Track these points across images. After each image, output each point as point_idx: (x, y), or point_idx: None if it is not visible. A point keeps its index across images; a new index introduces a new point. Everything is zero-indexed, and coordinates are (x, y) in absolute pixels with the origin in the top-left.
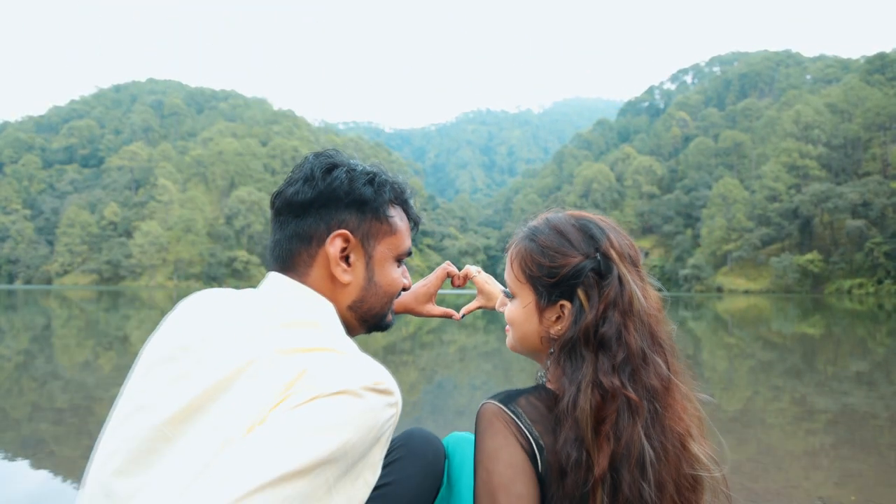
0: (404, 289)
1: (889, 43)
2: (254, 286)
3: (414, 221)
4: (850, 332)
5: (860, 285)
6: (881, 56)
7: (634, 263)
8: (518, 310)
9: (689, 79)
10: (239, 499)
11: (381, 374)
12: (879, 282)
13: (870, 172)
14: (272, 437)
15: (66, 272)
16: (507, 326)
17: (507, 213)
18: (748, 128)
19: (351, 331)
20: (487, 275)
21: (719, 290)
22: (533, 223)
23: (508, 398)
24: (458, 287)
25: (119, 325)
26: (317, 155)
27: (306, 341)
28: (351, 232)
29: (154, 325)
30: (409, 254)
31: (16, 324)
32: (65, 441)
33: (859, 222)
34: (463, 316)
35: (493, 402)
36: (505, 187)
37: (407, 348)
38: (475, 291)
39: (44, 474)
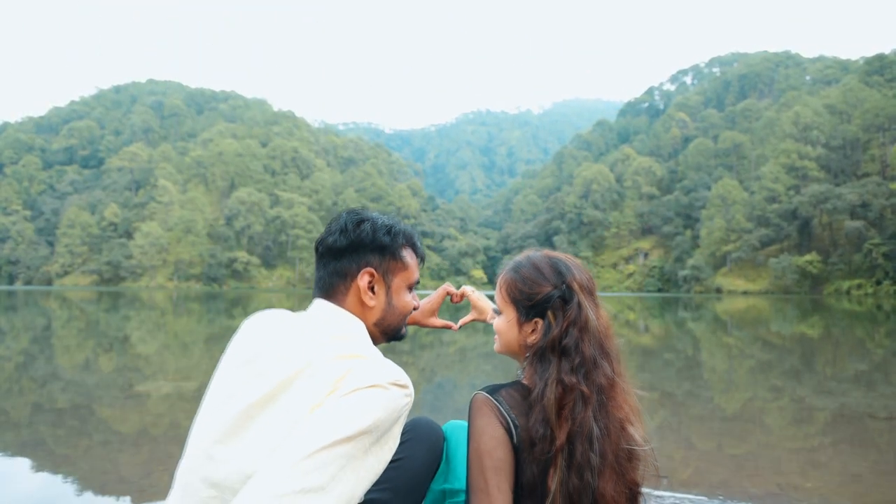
0: (414, 308)
1: (888, 44)
2: (254, 287)
3: (420, 258)
4: (849, 332)
5: (859, 286)
6: (880, 57)
7: (591, 293)
8: (504, 323)
9: (688, 80)
10: (309, 455)
11: (400, 374)
12: (878, 283)
13: (868, 173)
14: (329, 416)
15: (66, 273)
16: (496, 336)
17: (507, 214)
18: (747, 129)
19: (375, 341)
20: (480, 293)
21: (718, 290)
22: (517, 259)
23: (493, 390)
24: (456, 303)
25: (119, 326)
26: (349, 212)
27: (347, 350)
28: (375, 269)
29: (154, 325)
30: (418, 282)
31: (16, 324)
32: (65, 442)
33: (858, 223)
34: (460, 327)
35: (482, 392)
36: (505, 188)
37: (407, 349)
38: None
39: (44, 475)
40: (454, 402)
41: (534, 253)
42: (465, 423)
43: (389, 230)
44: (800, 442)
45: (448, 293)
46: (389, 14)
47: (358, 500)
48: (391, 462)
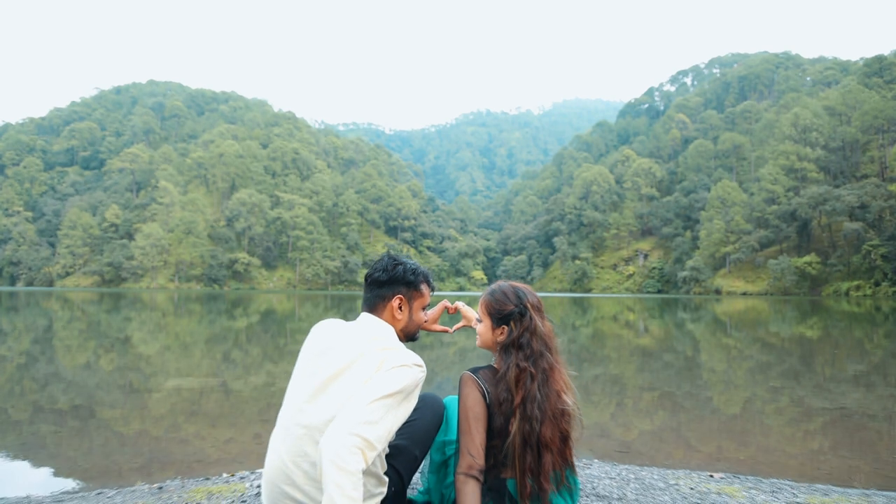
0: (424, 321)
1: (888, 45)
2: (254, 288)
3: (432, 289)
4: (848, 333)
5: (857, 287)
6: (879, 59)
7: (539, 310)
8: (483, 328)
9: (688, 80)
10: (368, 403)
11: (417, 358)
12: (877, 284)
13: (867, 175)
14: (378, 383)
15: (67, 274)
16: (477, 336)
17: (507, 215)
18: (747, 130)
19: (399, 340)
20: (468, 307)
21: (718, 291)
22: (493, 287)
23: (474, 370)
24: (451, 314)
25: (121, 327)
26: (389, 257)
27: (384, 344)
28: (403, 296)
29: (155, 326)
30: (429, 305)
31: (18, 325)
32: (66, 442)
33: (857, 225)
34: (454, 331)
35: (467, 371)
36: (505, 189)
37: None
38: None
39: (45, 474)
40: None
41: (503, 283)
42: (457, 397)
43: (414, 271)
44: (798, 443)
45: (445, 307)
46: (389, 15)
47: (392, 435)
48: (409, 421)
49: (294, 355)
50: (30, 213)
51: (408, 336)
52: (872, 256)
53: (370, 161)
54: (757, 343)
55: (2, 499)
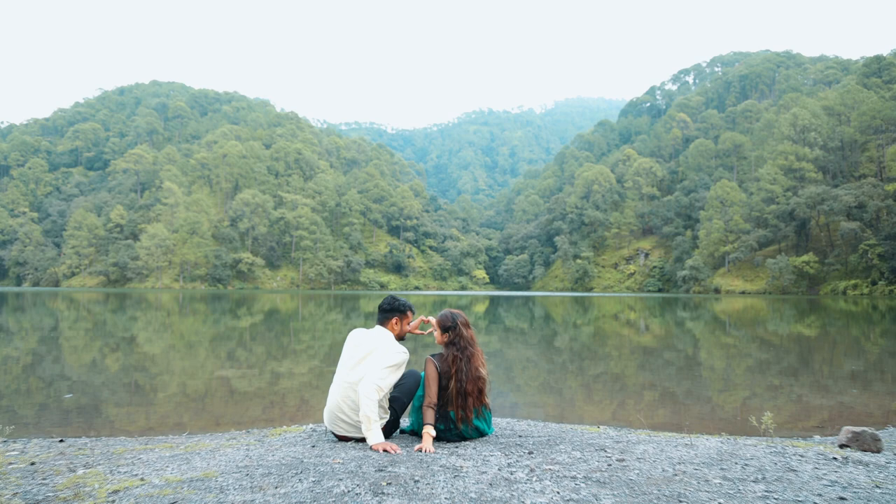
0: (409, 331)
1: (889, 45)
2: (258, 288)
3: (413, 312)
4: (845, 332)
5: (855, 286)
6: (878, 59)
7: (466, 325)
8: (437, 333)
9: (690, 79)
10: (381, 369)
11: (404, 348)
12: (873, 283)
13: (865, 175)
14: (385, 360)
15: (73, 274)
16: (435, 338)
17: (509, 215)
18: (748, 129)
19: (396, 340)
20: (434, 319)
21: (717, 290)
22: (442, 312)
23: (433, 356)
24: (426, 323)
25: (126, 327)
26: (391, 296)
27: (388, 342)
28: (398, 317)
29: (160, 326)
30: (411, 320)
31: (24, 325)
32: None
33: (854, 224)
34: (427, 333)
35: (429, 356)
36: (507, 188)
37: (411, 348)
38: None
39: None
40: None
41: (447, 310)
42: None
43: (404, 305)
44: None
45: (422, 320)
46: (391, 14)
47: (391, 387)
48: (400, 382)
49: (298, 354)
50: (35, 214)
51: (399, 338)
52: (869, 255)
53: (372, 161)
54: (755, 341)
55: (156, 438)
